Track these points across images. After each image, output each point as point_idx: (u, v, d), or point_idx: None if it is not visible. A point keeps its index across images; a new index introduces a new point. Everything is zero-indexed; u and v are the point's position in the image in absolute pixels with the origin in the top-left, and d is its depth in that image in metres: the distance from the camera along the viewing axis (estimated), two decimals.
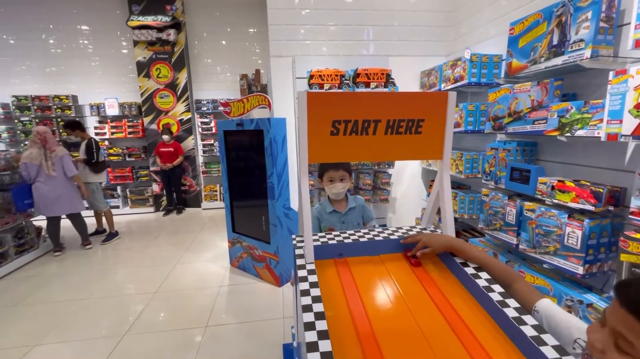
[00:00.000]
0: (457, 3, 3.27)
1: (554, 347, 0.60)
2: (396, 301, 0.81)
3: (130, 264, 3.58)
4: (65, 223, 3.97)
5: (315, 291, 0.77)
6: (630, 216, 1.40)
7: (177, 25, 5.50)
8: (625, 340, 0.52)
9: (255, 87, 4.43)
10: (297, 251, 0.97)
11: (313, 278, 0.83)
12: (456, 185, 3.10)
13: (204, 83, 6.09)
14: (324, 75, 2.95)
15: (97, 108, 5.70)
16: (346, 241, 1.04)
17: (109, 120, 5.77)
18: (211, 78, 6.11)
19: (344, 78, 3.00)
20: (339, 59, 3.27)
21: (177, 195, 5.77)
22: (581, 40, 1.60)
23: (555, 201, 1.74)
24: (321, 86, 2.94)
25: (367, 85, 2.98)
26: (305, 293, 0.77)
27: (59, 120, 5.59)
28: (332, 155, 0.93)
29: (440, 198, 1.04)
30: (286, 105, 3.29)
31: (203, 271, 3.36)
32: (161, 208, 5.92)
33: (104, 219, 4.42)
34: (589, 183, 1.63)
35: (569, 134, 1.68)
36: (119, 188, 5.78)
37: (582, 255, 1.60)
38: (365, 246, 1.03)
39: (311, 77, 2.96)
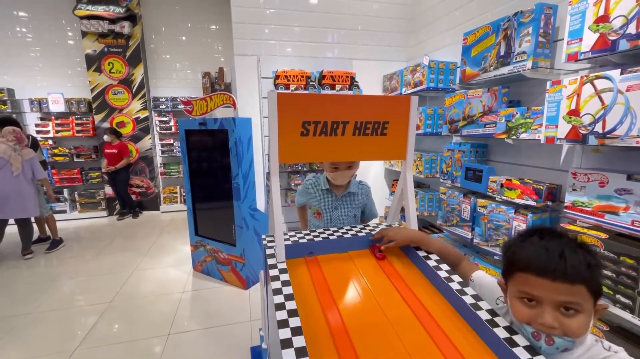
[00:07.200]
0: (416, 12, 3.44)
1: (505, 328, 0.67)
2: (365, 295, 0.85)
3: (81, 273, 3.30)
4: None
5: (288, 290, 0.79)
6: (565, 210, 1.58)
7: (132, 18, 5.16)
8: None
9: (218, 85, 4.31)
10: (268, 251, 0.97)
11: (285, 277, 0.84)
12: (416, 184, 3.26)
13: (162, 80, 5.79)
14: (290, 76, 2.95)
15: (39, 104, 5.17)
16: (316, 239, 1.06)
17: (53, 117, 5.26)
18: (170, 75, 5.82)
19: (309, 80, 3.03)
20: (304, 60, 3.29)
21: (126, 200, 5.37)
22: (524, 53, 1.78)
23: (504, 198, 1.91)
24: (287, 86, 2.94)
25: (333, 87, 3.03)
26: (277, 291, 0.78)
27: None
28: (303, 155, 0.94)
29: (404, 195, 1.10)
30: (251, 105, 3.24)
31: (164, 277, 3.19)
32: (115, 212, 5.53)
33: (46, 226, 4.03)
34: (531, 181, 1.81)
35: (514, 137, 1.85)
36: (65, 191, 5.28)
37: None
38: (335, 244, 1.06)
39: (277, 77, 2.95)
